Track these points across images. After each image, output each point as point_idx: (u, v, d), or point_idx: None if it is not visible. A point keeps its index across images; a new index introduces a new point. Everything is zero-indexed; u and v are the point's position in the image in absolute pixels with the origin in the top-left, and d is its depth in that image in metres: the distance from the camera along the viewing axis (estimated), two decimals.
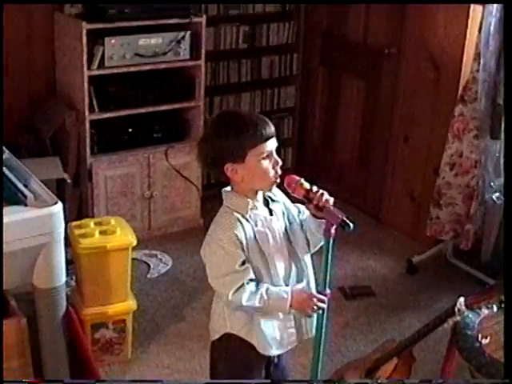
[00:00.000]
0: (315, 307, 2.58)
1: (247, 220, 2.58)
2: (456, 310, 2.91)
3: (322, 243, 2.61)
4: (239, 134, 2.50)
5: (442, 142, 4.56)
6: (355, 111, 5.55)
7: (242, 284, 2.54)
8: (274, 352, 2.74)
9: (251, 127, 2.50)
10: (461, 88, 4.42)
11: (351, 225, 2.45)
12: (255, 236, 2.59)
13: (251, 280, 2.56)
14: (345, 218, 2.45)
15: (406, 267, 4.79)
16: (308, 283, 2.72)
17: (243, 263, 2.55)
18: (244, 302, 2.54)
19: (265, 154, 2.53)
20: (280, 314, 2.66)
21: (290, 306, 2.58)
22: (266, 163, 2.54)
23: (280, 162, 2.58)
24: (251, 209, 2.60)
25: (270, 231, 2.63)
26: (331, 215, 2.48)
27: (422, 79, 4.90)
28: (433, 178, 4.71)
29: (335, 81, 5.71)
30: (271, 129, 2.55)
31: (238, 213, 2.58)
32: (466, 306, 2.91)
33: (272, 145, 2.55)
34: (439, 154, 4.57)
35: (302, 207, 2.71)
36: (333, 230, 2.49)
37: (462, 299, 2.92)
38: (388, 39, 5.13)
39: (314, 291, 2.67)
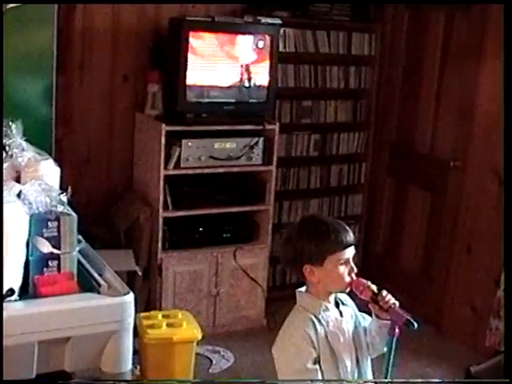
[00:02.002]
0: None
1: (319, 321, 2.68)
2: None
3: (382, 351, 2.72)
4: (321, 240, 2.63)
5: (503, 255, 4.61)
6: (420, 221, 5.63)
7: None
8: None
9: (333, 234, 2.63)
10: None
11: (415, 324, 2.54)
12: (327, 336, 2.68)
13: None
14: (409, 318, 2.55)
15: (464, 376, 4.74)
16: None
17: (314, 362, 2.63)
18: None
19: (342, 261, 2.65)
20: None
21: None
22: (342, 269, 2.65)
23: (355, 270, 2.69)
24: (323, 310, 2.70)
25: (340, 331, 2.72)
26: (396, 314, 2.59)
27: (486, 192, 4.97)
28: (494, 288, 4.73)
29: (401, 190, 5.82)
30: (351, 237, 2.68)
31: (311, 313, 2.69)
32: None
33: (350, 252, 2.67)
34: (501, 265, 4.59)
35: (366, 315, 2.81)
36: (397, 329, 2.58)
37: None
38: (454, 152, 5.24)
39: None
